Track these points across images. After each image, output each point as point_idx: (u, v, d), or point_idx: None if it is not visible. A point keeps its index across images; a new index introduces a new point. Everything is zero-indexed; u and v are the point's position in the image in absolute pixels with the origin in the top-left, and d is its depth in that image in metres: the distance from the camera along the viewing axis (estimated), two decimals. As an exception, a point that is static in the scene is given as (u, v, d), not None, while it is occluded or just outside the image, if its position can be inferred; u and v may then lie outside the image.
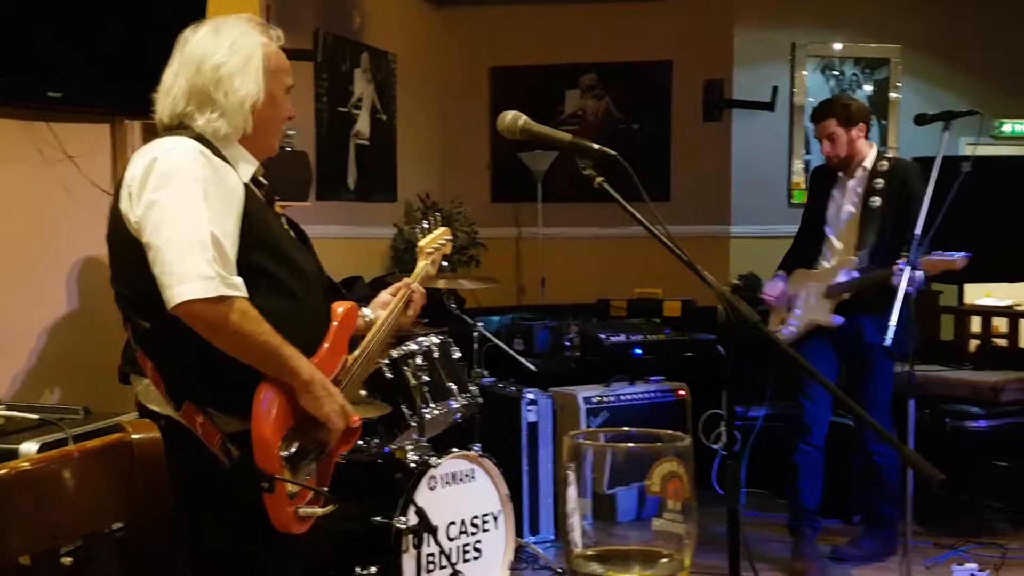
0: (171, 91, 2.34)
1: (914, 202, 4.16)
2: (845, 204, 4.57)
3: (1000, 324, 6.00)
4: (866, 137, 4.56)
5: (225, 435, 2.25)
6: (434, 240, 3.04)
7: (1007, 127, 7.44)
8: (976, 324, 6.04)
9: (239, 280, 2.21)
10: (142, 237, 2.20)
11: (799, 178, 7.12)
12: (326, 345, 2.43)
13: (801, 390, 4.55)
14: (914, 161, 4.69)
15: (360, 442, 3.78)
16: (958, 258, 4.08)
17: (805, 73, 7.13)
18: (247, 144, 2.37)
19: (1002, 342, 5.95)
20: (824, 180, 4.70)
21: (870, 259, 4.39)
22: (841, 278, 4.45)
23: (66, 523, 1.40)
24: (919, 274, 3.99)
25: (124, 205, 2.25)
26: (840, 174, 4.60)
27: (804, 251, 4.70)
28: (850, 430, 5.08)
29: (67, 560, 1.78)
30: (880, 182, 4.46)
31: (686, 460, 1.06)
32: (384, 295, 2.79)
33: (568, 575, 1.08)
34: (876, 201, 4.45)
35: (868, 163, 4.52)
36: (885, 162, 4.52)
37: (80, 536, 1.45)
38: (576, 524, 1.06)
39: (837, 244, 4.57)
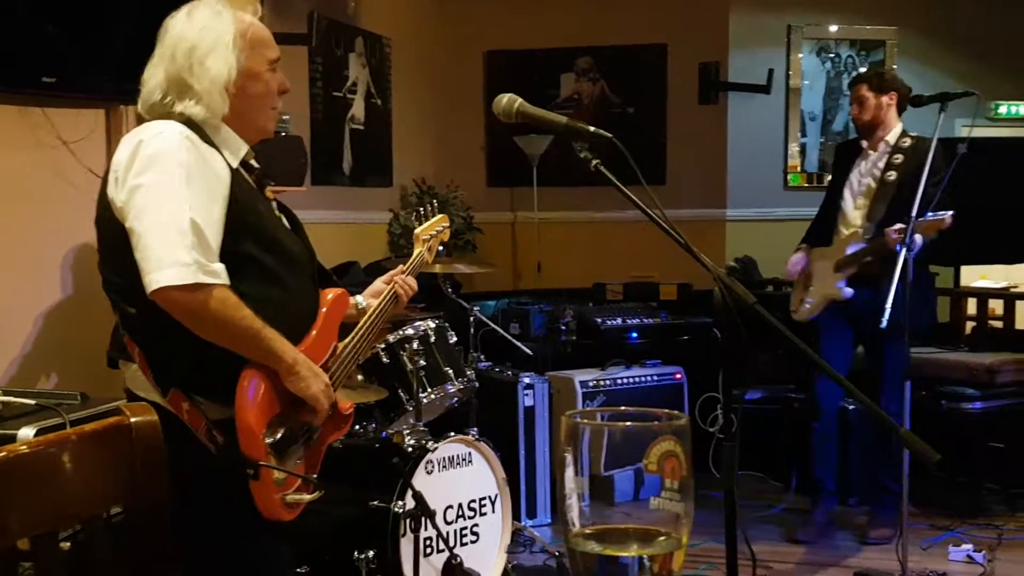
0: (147, 83, 2.30)
1: (930, 180, 4.18)
2: (864, 177, 4.66)
3: (996, 306, 6.01)
4: (898, 110, 4.62)
5: (210, 422, 2.22)
6: (431, 227, 3.03)
7: (1003, 108, 7.42)
8: (972, 306, 6.05)
9: (219, 267, 2.17)
10: (125, 222, 2.17)
11: (795, 161, 7.11)
12: (314, 332, 2.40)
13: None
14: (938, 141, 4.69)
15: (357, 427, 3.79)
16: (947, 216, 4.10)
17: (801, 56, 7.11)
18: (236, 126, 2.33)
19: (998, 324, 5.96)
20: (848, 154, 4.79)
21: (877, 231, 4.42)
22: (849, 250, 4.51)
23: (65, 507, 1.40)
24: (917, 238, 4.03)
25: (111, 190, 2.21)
26: (864, 145, 4.66)
27: (824, 224, 4.79)
28: (849, 413, 5.08)
29: (66, 544, 1.78)
30: (899, 157, 4.53)
31: (683, 439, 1.06)
32: (378, 283, 2.78)
33: (566, 556, 1.08)
34: (892, 175, 4.52)
35: (891, 138, 4.61)
36: (908, 139, 4.59)
37: (79, 520, 1.44)
38: (574, 504, 1.06)
39: (851, 217, 4.65)
